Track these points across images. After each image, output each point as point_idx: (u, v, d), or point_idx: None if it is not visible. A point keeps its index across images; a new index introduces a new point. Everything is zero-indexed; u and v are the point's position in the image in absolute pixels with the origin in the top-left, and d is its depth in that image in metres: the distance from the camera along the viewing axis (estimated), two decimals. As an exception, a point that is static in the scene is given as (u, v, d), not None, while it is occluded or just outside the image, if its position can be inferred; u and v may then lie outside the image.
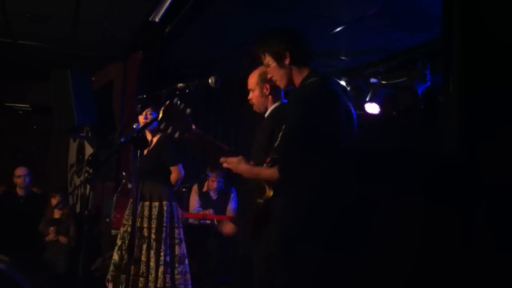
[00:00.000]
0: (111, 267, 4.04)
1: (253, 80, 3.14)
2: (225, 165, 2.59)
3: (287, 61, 2.47)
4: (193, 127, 2.52)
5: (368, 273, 2.29)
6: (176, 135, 2.49)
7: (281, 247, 2.45)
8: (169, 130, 2.44)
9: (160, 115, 2.41)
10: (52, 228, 5.78)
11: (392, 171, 2.45)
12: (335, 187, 2.29)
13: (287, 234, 2.43)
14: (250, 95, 3.13)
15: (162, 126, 2.41)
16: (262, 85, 3.05)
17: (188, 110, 2.46)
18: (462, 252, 2.03)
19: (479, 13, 2.16)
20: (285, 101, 3.02)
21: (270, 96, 2.94)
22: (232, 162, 2.55)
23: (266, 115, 2.94)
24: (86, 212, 5.24)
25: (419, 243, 2.30)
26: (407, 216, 2.43)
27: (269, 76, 2.58)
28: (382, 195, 2.32)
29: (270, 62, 2.52)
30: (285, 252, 2.42)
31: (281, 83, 2.55)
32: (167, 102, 2.43)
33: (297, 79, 2.49)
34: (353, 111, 2.47)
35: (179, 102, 2.43)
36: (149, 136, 4.17)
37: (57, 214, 6.01)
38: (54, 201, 6.01)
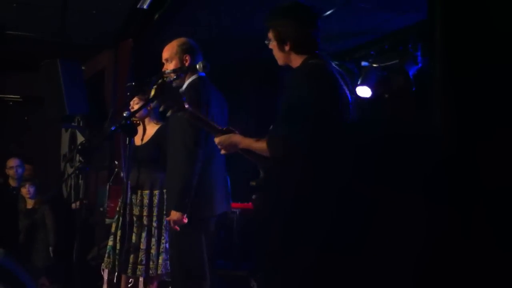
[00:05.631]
0: (106, 256, 4.04)
1: (172, 50, 3.16)
2: (217, 142, 2.61)
3: (287, 48, 2.46)
4: (186, 106, 2.52)
5: (363, 270, 2.28)
6: (169, 113, 2.50)
7: (270, 241, 2.45)
8: (162, 108, 2.45)
9: (152, 93, 2.42)
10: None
11: (387, 164, 2.42)
12: (325, 179, 2.28)
13: (275, 229, 2.43)
14: (165, 66, 3.12)
15: (154, 104, 2.44)
16: (182, 56, 3.10)
17: (181, 90, 2.47)
18: (460, 251, 2.02)
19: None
20: (202, 74, 3.05)
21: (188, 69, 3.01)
22: (223, 138, 2.58)
23: (181, 89, 2.95)
24: (78, 202, 5.19)
25: (417, 240, 2.28)
26: (403, 213, 2.41)
27: (270, 47, 2.56)
28: (377, 190, 2.30)
29: (272, 40, 2.51)
30: (273, 246, 2.42)
31: (278, 61, 2.55)
32: (159, 81, 2.44)
33: (295, 64, 2.49)
34: (348, 95, 2.46)
35: (171, 82, 2.45)
36: (142, 126, 4.12)
37: (29, 204, 5.80)
38: (24, 191, 5.77)
